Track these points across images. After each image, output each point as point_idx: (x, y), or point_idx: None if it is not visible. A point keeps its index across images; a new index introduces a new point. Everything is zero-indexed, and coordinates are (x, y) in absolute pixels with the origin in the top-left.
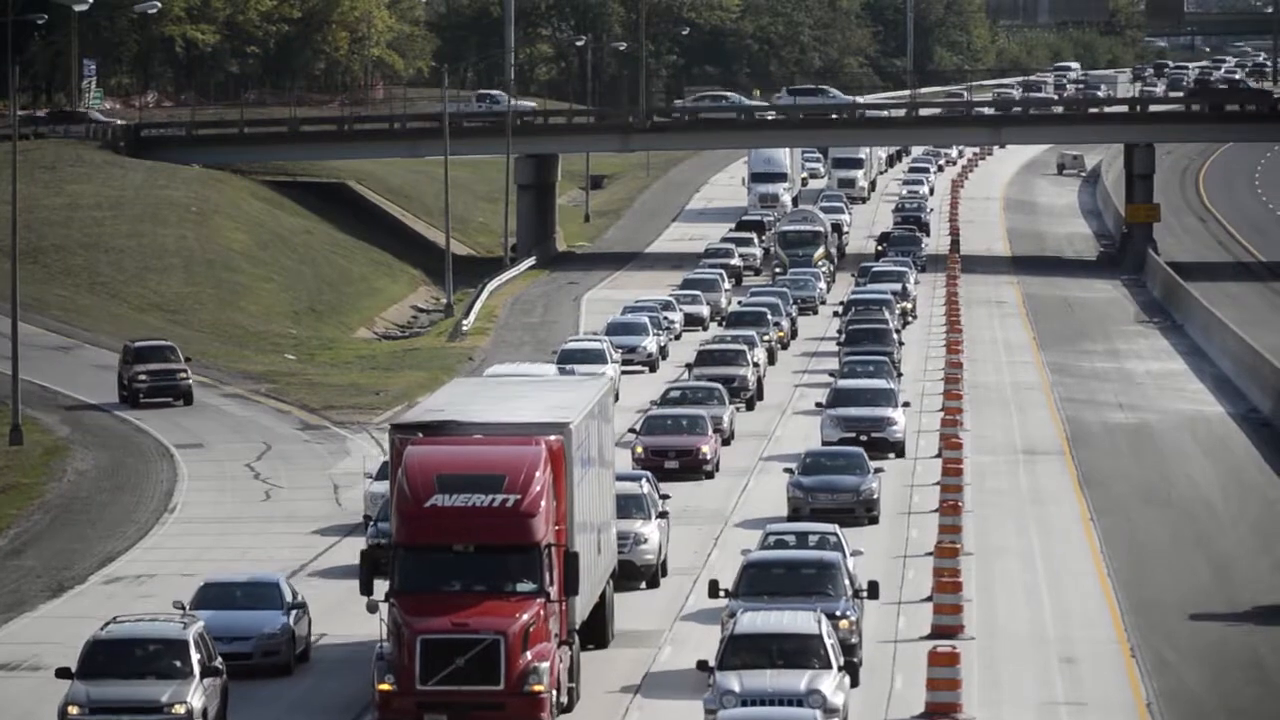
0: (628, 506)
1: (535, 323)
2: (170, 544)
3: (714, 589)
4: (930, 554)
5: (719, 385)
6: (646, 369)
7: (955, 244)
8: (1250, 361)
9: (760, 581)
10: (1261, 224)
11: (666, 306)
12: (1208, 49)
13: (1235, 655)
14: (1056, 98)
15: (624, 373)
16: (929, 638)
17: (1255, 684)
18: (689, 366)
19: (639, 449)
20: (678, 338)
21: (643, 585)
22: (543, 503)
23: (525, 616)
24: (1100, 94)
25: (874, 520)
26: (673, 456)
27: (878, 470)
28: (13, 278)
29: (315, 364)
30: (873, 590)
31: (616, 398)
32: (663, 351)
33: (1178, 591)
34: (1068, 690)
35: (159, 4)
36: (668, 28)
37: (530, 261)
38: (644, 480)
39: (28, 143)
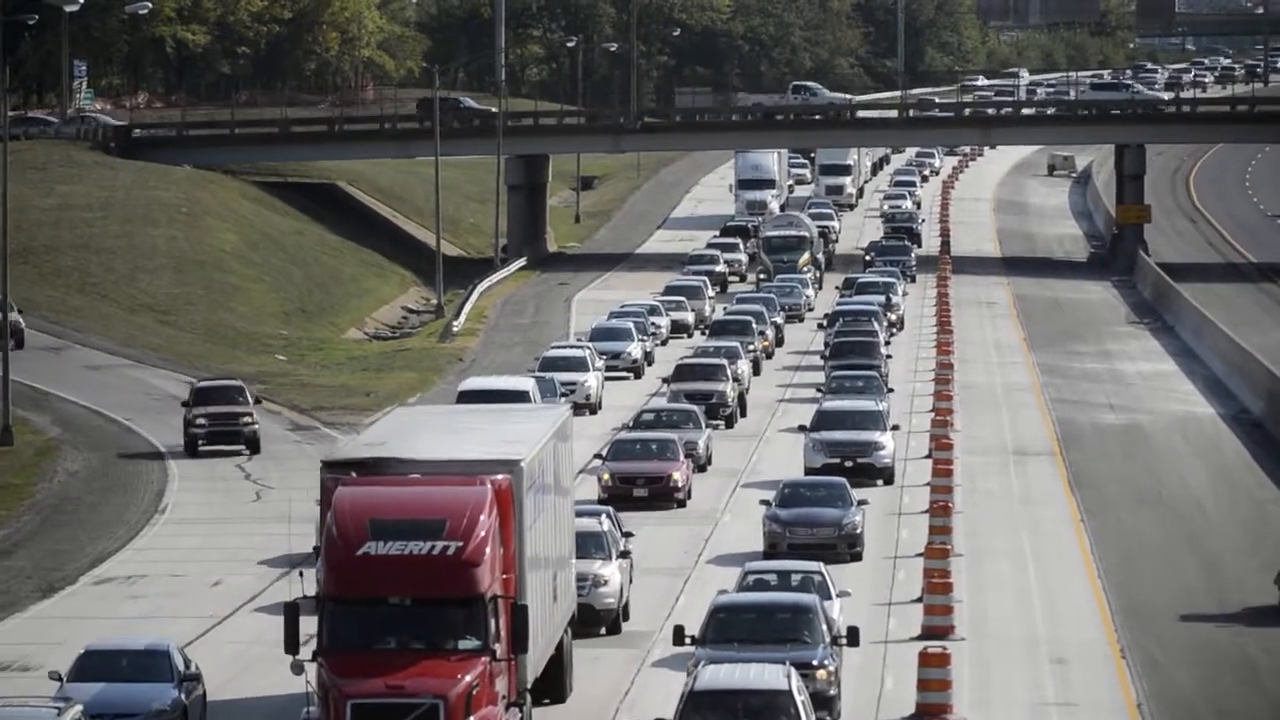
0: (587, 545)
1: (526, 324)
2: (161, 544)
3: (679, 635)
4: (921, 555)
5: (695, 408)
6: (631, 375)
7: (946, 245)
8: (1240, 362)
9: (729, 627)
10: (1252, 225)
11: (653, 312)
12: (1230, 51)
13: (1225, 656)
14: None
15: (608, 379)
16: (919, 639)
17: (1245, 684)
18: (666, 381)
19: (606, 476)
20: (664, 343)
21: (603, 631)
22: (487, 550)
23: (468, 677)
24: (1070, 97)
25: (857, 557)
26: (642, 484)
27: (861, 502)
28: (2, 278)
29: (306, 365)
30: (853, 637)
31: (598, 408)
32: (648, 357)
33: (1168, 592)
34: (1058, 691)
35: (150, 5)
36: (659, 28)
37: (521, 262)
38: (604, 516)
39: (18, 143)
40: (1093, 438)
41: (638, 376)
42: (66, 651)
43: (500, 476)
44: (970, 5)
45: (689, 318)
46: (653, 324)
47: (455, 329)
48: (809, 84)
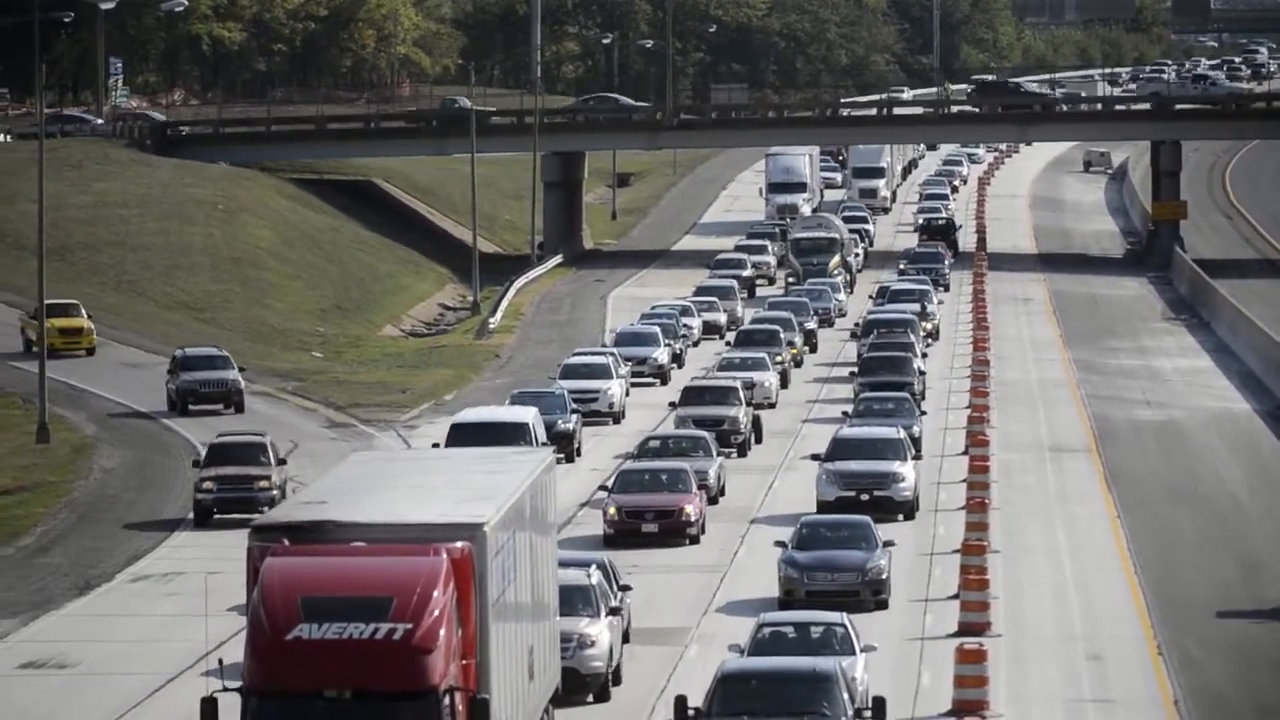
0: (573, 601)
1: (562, 320)
2: (197, 542)
3: (681, 708)
4: (957, 551)
5: (705, 434)
6: (657, 381)
7: (982, 241)
8: (1277, 358)
9: (737, 698)
10: None
11: (685, 313)
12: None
13: (1263, 652)
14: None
15: (633, 384)
16: (956, 635)
17: None
18: (673, 405)
19: (612, 510)
20: (696, 344)
21: (590, 699)
22: (441, 633)
23: None
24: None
25: (882, 605)
26: (651, 518)
27: (888, 544)
28: (39, 276)
29: (342, 362)
30: (878, 709)
31: (621, 417)
32: (678, 360)
33: (1205, 588)
34: (1095, 687)
35: (185, 2)
36: (694, 25)
37: (557, 259)
38: (594, 567)
39: (54, 141)
40: (1129, 434)
41: (664, 382)
42: (101, 649)
43: (459, 544)
44: (1006, 2)
45: (721, 318)
46: (684, 325)
47: (491, 326)
48: (1208, 74)
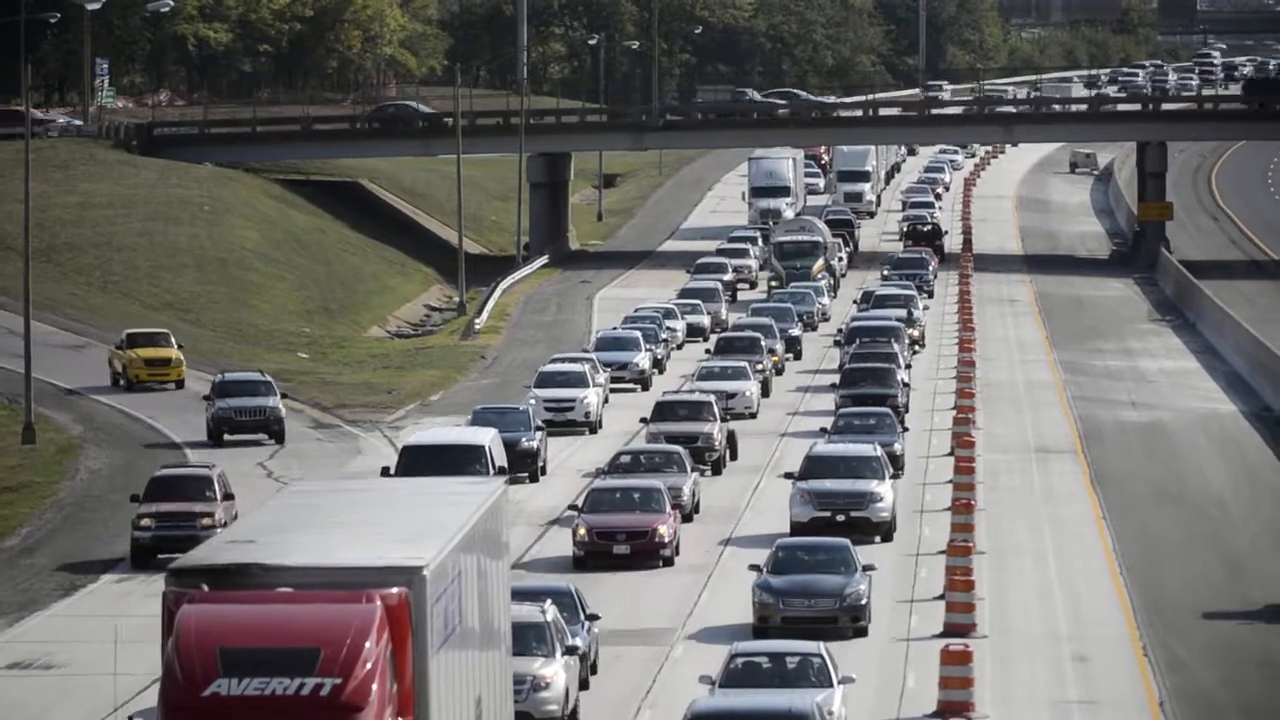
0: (526, 639)
1: (548, 321)
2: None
3: None
4: (943, 552)
5: (678, 449)
6: (638, 387)
7: (968, 242)
8: (1263, 360)
9: None
10: (1274, 222)
11: (669, 315)
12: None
13: (1248, 653)
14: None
15: (613, 390)
16: (941, 636)
17: (1268, 682)
18: (644, 421)
19: (582, 530)
20: (680, 347)
21: None
22: (374, 687)
23: None
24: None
25: (861, 632)
26: (623, 539)
27: (867, 568)
28: (25, 276)
29: (328, 362)
30: None
31: (598, 426)
32: (659, 365)
33: (1190, 590)
34: (1080, 689)
35: (171, 2)
36: (680, 26)
37: (543, 260)
38: (548, 603)
39: (40, 141)
40: (1115, 435)
41: (645, 388)
42: (88, 649)
43: (394, 590)
44: (992, 3)
45: (705, 321)
46: (668, 328)
47: (477, 327)
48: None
